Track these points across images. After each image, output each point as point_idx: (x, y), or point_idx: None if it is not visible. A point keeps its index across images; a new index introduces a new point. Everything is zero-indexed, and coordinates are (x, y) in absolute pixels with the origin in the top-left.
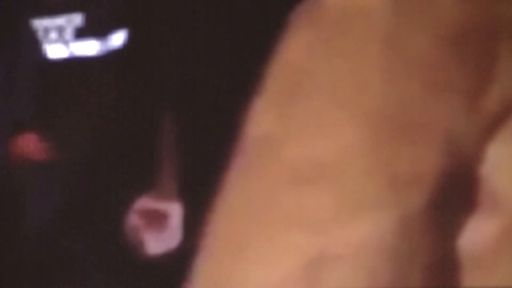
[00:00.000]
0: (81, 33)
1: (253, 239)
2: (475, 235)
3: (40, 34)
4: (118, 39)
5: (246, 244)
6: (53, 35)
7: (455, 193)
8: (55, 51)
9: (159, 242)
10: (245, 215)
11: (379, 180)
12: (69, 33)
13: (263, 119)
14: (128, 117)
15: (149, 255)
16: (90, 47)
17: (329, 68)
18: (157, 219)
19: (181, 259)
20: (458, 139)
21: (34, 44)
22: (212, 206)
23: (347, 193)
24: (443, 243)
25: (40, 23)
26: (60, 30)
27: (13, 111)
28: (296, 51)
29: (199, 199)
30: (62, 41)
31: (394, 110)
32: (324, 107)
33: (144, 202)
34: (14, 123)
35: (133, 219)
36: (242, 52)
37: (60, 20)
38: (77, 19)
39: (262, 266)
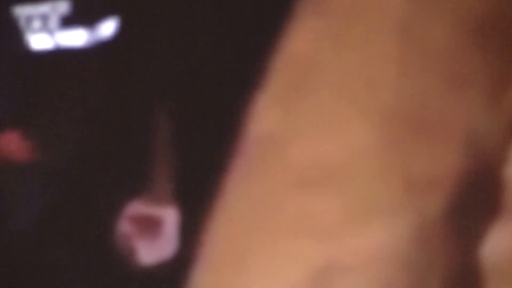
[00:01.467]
0: (67, 22)
1: (256, 248)
2: (499, 243)
3: (22, 22)
4: (108, 28)
5: (248, 253)
6: (36, 23)
7: (477, 197)
8: (38, 41)
9: (152, 251)
10: (247, 221)
11: (393, 183)
12: (54, 21)
13: (266, 116)
14: (118, 114)
15: (142, 265)
16: (77, 37)
17: (338, 61)
18: (150, 226)
19: (177, 270)
20: (480, 138)
21: (15, 34)
22: (210, 212)
23: (358, 197)
24: (464, 252)
25: (22, 11)
26: (44, 18)
27: None
28: (303, 42)
29: (196, 203)
30: (47, 31)
31: (410, 107)
32: (333, 103)
33: (136, 207)
34: None
35: (124, 226)
36: (243, 43)
37: (44, 8)
38: (62, 6)
39: (265, 277)
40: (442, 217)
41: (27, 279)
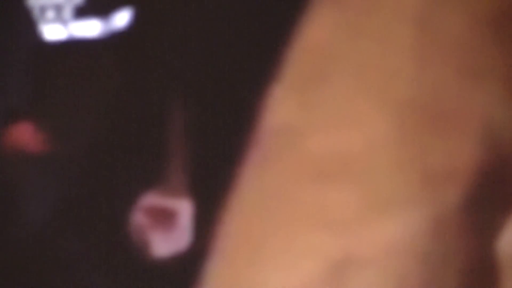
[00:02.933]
0: (81, 12)
1: (271, 240)
2: None
3: (35, 13)
4: (122, 18)
5: (263, 246)
6: (50, 14)
7: (494, 190)
8: (52, 31)
9: (166, 243)
10: (262, 213)
11: (410, 175)
12: (68, 12)
13: (282, 108)
14: (133, 105)
15: (156, 257)
16: (91, 28)
17: (355, 52)
18: (164, 218)
19: (191, 262)
20: (498, 130)
21: (29, 24)
22: (225, 204)
23: (374, 190)
24: (481, 245)
25: (35, 1)
26: (58, 8)
27: (6, 98)
28: (319, 32)
29: (211, 195)
30: (60, 21)
31: (427, 98)
32: (350, 94)
33: (150, 199)
34: (8, 111)
35: (138, 218)
36: (259, 34)
37: None
38: None
39: (280, 270)
40: (458, 210)
41: (41, 270)
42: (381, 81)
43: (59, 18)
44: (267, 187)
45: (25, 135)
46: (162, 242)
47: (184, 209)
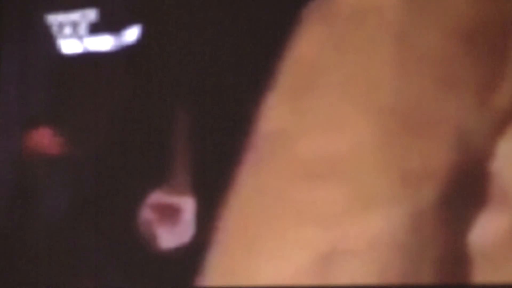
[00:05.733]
0: (95, 28)
1: (265, 234)
2: (486, 230)
3: (54, 29)
4: (132, 34)
5: (258, 239)
6: (67, 30)
7: (466, 189)
8: (69, 46)
9: (172, 236)
10: (257, 210)
11: (391, 175)
12: (83, 28)
13: (275, 114)
14: (141, 112)
15: (162, 249)
16: (104, 42)
17: (341, 64)
18: (170, 214)
19: (194, 253)
20: (469, 135)
21: (48, 39)
22: (224, 201)
23: (359, 188)
24: (454, 238)
25: (54, 18)
26: (75, 25)
27: (28, 106)
28: (309, 46)
29: (211, 194)
30: (76, 36)
31: (406, 106)
32: (336, 102)
33: (157, 197)
34: (29, 117)
35: (146, 213)
36: (255, 48)
37: (74, 16)
38: (91, 14)
39: (274, 260)
40: (434, 206)
41: (59, 259)
42: (365, 90)
43: (75, 34)
44: (262, 185)
45: (45, 139)
46: (168, 235)
47: (187, 205)
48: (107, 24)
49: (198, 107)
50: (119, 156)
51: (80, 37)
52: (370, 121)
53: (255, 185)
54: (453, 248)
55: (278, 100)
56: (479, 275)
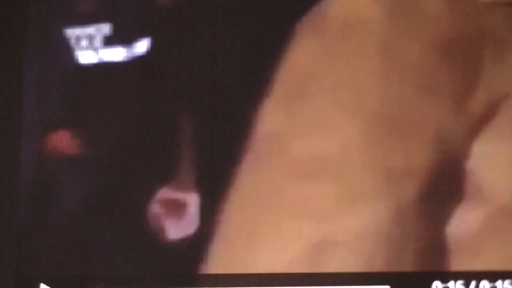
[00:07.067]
0: (109, 41)
1: (263, 227)
2: (462, 222)
3: (72, 41)
4: (142, 46)
5: (256, 231)
6: (84, 42)
7: (444, 185)
8: (85, 57)
9: (178, 229)
10: (255, 205)
11: (375, 173)
12: (98, 41)
13: (271, 118)
14: (150, 117)
15: (169, 240)
16: (117, 54)
17: (331, 72)
18: (176, 208)
19: (198, 244)
20: (447, 137)
21: (67, 50)
22: (225, 197)
23: (347, 185)
24: (434, 229)
25: (72, 32)
26: (90, 38)
27: (48, 111)
28: (302, 57)
29: (214, 190)
30: (92, 48)
31: (390, 111)
32: (327, 107)
33: (165, 193)
34: (49, 122)
35: (155, 208)
36: (253, 59)
37: (90, 29)
38: (105, 28)
39: (270, 250)
40: (415, 201)
41: (75, 251)
42: (353, 96)
43: (91, 46)
44: (260, 183)
45: (63, 141)
46: (174, 227)
47: (192, 201)
48: (119, 37)
49: (202, 112)
50: (130, 156)
51: (95, 49)
52: (357, 124)
53: (254, 182)
54: (433, 239)
55: (274, 106)
56: (456, 263)
